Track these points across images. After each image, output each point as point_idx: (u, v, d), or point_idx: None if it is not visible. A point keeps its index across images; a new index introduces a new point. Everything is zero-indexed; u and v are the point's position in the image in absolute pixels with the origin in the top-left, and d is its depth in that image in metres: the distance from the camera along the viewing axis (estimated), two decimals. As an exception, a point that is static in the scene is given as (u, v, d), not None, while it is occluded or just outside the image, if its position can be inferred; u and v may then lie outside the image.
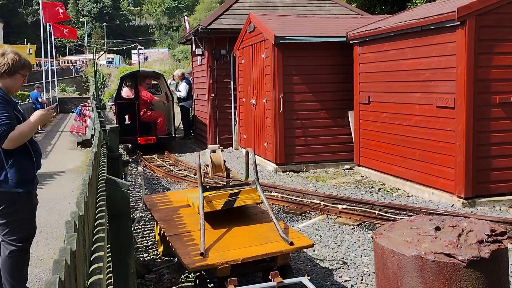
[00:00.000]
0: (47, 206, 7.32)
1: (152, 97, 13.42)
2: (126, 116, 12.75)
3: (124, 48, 71.89)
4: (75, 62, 67.10)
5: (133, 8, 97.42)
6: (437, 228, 2.16)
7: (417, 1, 15.29)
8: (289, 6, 14.48)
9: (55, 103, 17.73)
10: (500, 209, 6.71)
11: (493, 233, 2.10)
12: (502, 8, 6.61)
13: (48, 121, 21.38)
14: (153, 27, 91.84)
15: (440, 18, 6.89)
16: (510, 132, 6.82)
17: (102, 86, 43.78)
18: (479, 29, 6.54)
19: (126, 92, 13.29)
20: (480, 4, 6.55)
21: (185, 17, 49.70)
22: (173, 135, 13.76)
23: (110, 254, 2.84)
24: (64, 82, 49.61)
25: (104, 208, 2.57)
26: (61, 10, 23.90)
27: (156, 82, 15.98)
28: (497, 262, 2.05)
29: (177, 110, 16.14)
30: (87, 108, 19.63)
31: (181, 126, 16.36)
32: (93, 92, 33.88)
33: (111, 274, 2.69)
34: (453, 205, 6.88)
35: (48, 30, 26.91)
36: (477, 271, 1.98)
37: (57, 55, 53.86)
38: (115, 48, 74.63)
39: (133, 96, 13.00)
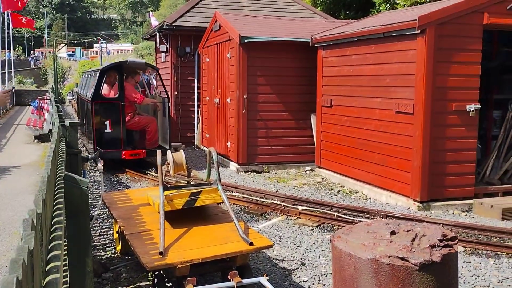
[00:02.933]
0: (1, 201, 7.11)
1: (142, 98, 9.99)
2: (107, 122, 9.39)
3: (86, 41, 70.32)
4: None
5: (96, 0, 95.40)
6: (393, 232, 2.24)
7: (380, 8, 15.63)
8: (255, 7, 14.54)
9: (12, 86, 16.33)
10: (453, 213, 6.94)
11: (444, 238, 2.19)
12: (460, 18, 6.85)
13: (4, 104, 20.59)
14: (117, 21, 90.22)
15: (401, 26, 7.07)
16: (464, 139, 7.07)
17: (62, 79, 42.67)
18: (438, 38, 6.75)
19: (106, 90, 9.92)
20: (439, 14, 6.76)
21: (150, 13, 49.06)
22: (168, 148, 9.79)
23: (66, 252, 2.79)
24: (22, 73, 48.08)
25: (62, 205, 2.52)
26: None
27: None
28: (448, 265, 2.14)
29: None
30: (45, 101, 19.11)
31: None
32: (52, 85, 32.99)
33: (68, 273, 2.64)
34: (409, 208, 7.07)
35: (6, 20, 26.05)
36: (428, 274, 2.07)
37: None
38: (75, 41, 72.87)
39: (116, 96, 9.61)
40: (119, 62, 10.40)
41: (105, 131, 9.42)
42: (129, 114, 9.81)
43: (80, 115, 13.09)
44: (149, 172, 9.74)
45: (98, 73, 9.82)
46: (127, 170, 9.68)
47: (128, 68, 10.04)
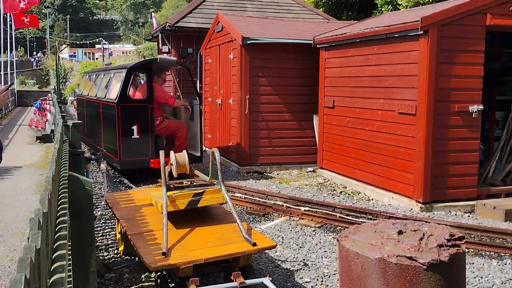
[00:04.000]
0: (3, 202, 7.10)
1: (173, 100, 9.04)
2: (135, 127, 8.29)
3: (88, 42, 70.41)
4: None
5: (98, 1, 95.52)
6: (400, 232, 2.23)
7: (382, 9, 15.62)
8: (257, 8, 14.55)
9: (11, 82, 15.80)
10: (456, 214, 6.93)
11: (452, 238, 2.18)
12: (462, 20, 6.84)
13: (4, 104, 20.18)
14: (119, 22, 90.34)
15: (404, 27, 7.07)
16: (467, 140, 7.06)
17: (64, 80, 42.74)
18: (441, 39, 6.75)
19: (132, 91, 8.90)
20: (442, 15, 6.75)
21: (152, 14, 49.13)
22: (200, 155, 9.13)
23: (70, 252, 2.79)
24: (24, 74, 48.16)
25: (66, 205, 2.52)
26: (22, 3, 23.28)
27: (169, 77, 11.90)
28: (455, 265, 2.13)
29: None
30: (48, 102, 19.13)
31: None
32: (54, 86, 33.02)
33: (71, 273, 2.64)
34: (411, 209, 7.06)
35: (8, 22, 26.13)
36: (436, 273, 2.06)
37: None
38: (78, 42, 72.98)
39: (145, 97, 8.58)
40: (149, 60, 9.37)
41: (132, 137, 8.30)
42: (158, 118, 8.77)
43: (88, 120, 11.34)
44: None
45: (123, 72, 8.53)
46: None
47: (157, 66, 8.99)
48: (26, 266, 1.13)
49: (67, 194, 2.75)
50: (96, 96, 10.21)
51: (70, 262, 2.75)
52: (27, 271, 1.10)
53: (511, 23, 6.99)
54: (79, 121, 5.08)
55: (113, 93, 8.80)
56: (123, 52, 60.33)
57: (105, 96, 9.26)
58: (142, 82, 10.14)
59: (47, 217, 1.76)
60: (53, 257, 1.89)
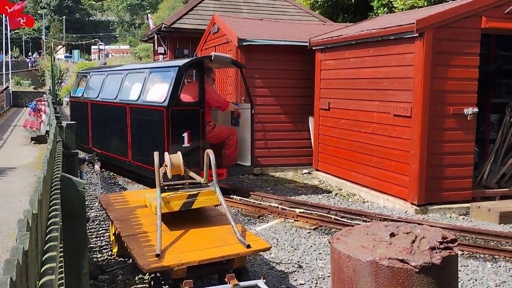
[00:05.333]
0: (-3, 203, 7.07)
1: (227, 103, 8.03)
2: (185, 134, 7.20)
3: (84, 43, 70.29)
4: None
5: (94, 2, 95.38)
6: (392, 234, 2.22)
7: (378, 11, 15.65)
8: (253, 10, 14.55)
9: (6, 86, 15.38)
10: (450, 216, 6.94)
11: (444, 240, 2.18)
12: (458, 22, 6.86)
13: None
14: (115, 23, 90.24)
15: (400, 29, 7.08)
16: (462, 142, 7.07)
17: (59, 81, 42.62)
18: (436, 41, 6.76)
19: (185, 93, 7.54)
20: (438, 17, 6.77)
21: (149, 15, 49.12)
22: (250, 165, 8.16)
23: (62, 254, 2.77)
24: (19, 75, 48.00)
25: (58, 206, 2.50)
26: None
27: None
28: (448, 268, 2.13)
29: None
30: (43, 103, 19.08)
31: None
32: (50, 86, 32.93)
33: (63, 275, 2.62)
34: (406, 211, 7.06)
35: (3, 22, 26.09)
36: (428, 276, 2.05)
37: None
38: (73, 43, 72.83)
39: (196, 100, 7.39)
40: (202, 57, 8.04)
41: (183, 145, 7.13)
42: (210, 123, 7.74)
43: (97, 126, 9.86)
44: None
45: (173, 71, 7.35)
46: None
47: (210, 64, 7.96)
48: (12, 268, 1.12)
49: (59, 195, 2.73)
50: (116, 98, 8.81)
51: (62, 264, 2.73)
52: (13, 273, 1.08)
53: (506, 26, 7.01)
54: (73, 122, 5.05)
55: (157, 95, 7.59)
56: (123, 53, 60.24)
57: (138, 98, 7.99)
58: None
59: (36, 218, 1.75)
60: (43, 259, 1.88)
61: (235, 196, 7.77)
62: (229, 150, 8.01)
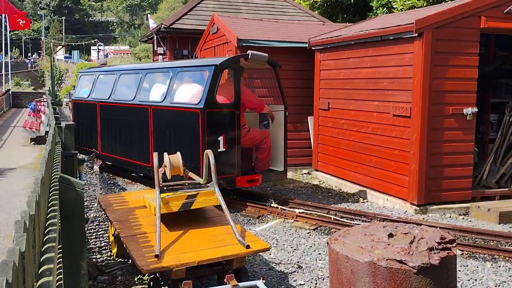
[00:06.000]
0: (-4, 203, 7.06)
1: (263, 105, 7.54)
2: (221, 138, 6.77)
3: (83, 43, 70.29)
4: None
5: (94, 3, 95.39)
6: (390, 235, 2.22)
7: (378, 12, 15.66)
8: (252, 10, 14.55)
9: (8, 89, 15.23)
10: (450, 217, 6.93)
11: (443, 241, 2.17)
12: (457, 22, 6.86)
13: None
14: (114, 24, 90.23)
15: (399, 29, 7.08)
16: (461, 143, 7.06)
17: (59, 82, 42.63)
18: (435, 41, 6.76)
19: (219, 94, 7.00)
20: (437, 17, 6.76)
21: (149, 15, 49.15)
22: (283, 170, 7.74)
23: (61, 255, 2.77)
24: (19, 75, 47.98)
25: (57, 207, 2.50)
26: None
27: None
28: (446, 268, 2.12)
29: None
30: (42, 103, 19.08)
31: None
32: (49, 87, 32.92)
33: (62, 276, 2.61)
34: (406, 211, 7.06)
35: (3, 23, 26.12)
36: (427, 277, 2.05)
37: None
38: (73, 43, 72.83)
39: (232, 102, 6.99)
40: (238, 56, 7.36)
41: (218, 150, 6.69)
42: (245, 126, 7.31)
43: (107, 129, 9.24)
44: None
45: (208, 70, 6.88)
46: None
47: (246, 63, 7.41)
48: (8, 270, 1.11)
49: (57, 196, 2.73)
50: (134, 99, 8.21)
51: (61, 265, 2.73)
52: (9, 275, 1.08)
53: (505, 25, 7.01)
54: (72, 123, 5.05)
55: (187, 96, 7.11)
56: (123, 53, 60.22)
57: (164, 99, 7.45)
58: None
59: (34, 219, 1.74)
60: (41, 260, 1.87)
61: (234, 197, 7.71)
62: (263, 155, 7.60)
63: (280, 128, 7.74)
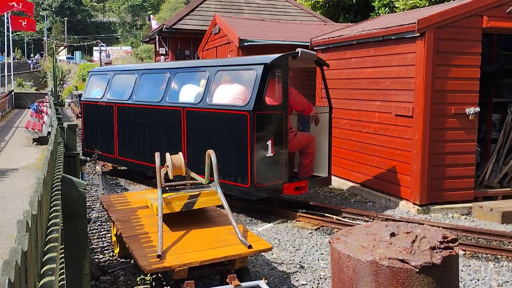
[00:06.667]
0: (-1, 204, 7.08)
1: (311, 107, 7.17)
2: (269, 142, 6.30)
3: (85, 44, 70.40)
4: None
5: (96, 4, 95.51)
6: (392, 234, 2.21)
7: (380, 11, 15.64)
8: (254, 10, 14.55)
9: (11, 90, 15.20)
10: (453, 216, 6.92)
11: (445, 240, 2.17)
12: (459, 22, 6.84)
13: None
14: (116, 24, 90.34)
15: (401, 29, 7.07)
16: (464, 142, 7.05)
17: (61, 82, 42.71)
18: (437, 41, 6.75)
19: (268, 95, 6.46)
20: (439, 17, 6.75)
21: (151, 16, 49.22)
22: (327, 176, 7.32)
23: (63, 255, 2.77)
24: (21, 76, 48.07)
25: (59, 207, 2.50)
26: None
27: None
28: (448, 268, 2.12)
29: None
30: (45, 104, 19.11)
31: None
32: (51, 88, 32.97)
33: (64, 276, 2.62)
34: (408, 211, 7.05)
35: (6, 24, 26.16)
36: (429, 276, 2.04)
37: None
38: (75, 44, 72.94)
39: (280, 103, 6.50)
40: (287, 54, 6.65)
41: (266, 155, 6.27)
42: (292, 130, 6.90)
43: (126, 133, 8.66)
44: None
45: (257, 69, 6.37)
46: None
47: (293, 62, 6.94)
48: (11, 269, 1.11)
49: (60, 196, 2.74)
50: (162, 100, 7.68)
51: (63, 265, 2.73)
52: (11, 274, 1.08)
53: (507, 25, 6.99)
54: (74, 123, 5.05)
55: (229, 97, 6.67)
56: (120, 55, 60.26)
57: (201, 101, 6.95)
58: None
59: (36, 219, 1.75)
60: (43, 259, 1.88)
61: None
62: (307, 160, 7.10)
63: (324, 131, 7.30)
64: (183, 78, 7.72)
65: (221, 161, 6.18)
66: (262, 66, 6.29)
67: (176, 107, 7.37)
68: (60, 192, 2.74)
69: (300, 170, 7.20)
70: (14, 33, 34.07)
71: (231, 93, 6.69)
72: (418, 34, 6.74)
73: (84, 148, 9.86)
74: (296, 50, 6.61)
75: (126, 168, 9.53)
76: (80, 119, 11.65)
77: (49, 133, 13.12)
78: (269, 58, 6.43)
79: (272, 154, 6.31)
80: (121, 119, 8.77)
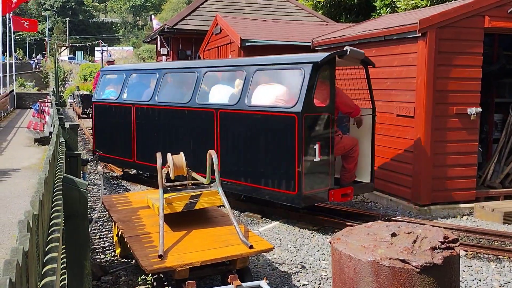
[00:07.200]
0: (0, 204, 7.09)
1: (359, 109, 6.75)
2: (316, 147, 5.93)
3: (87, 44, 70.47)
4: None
5: (97, 4, 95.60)
6: (393, 234, 2.21)
7: (381, 12, 15.63)
8: (256, 11, 14.56)
9: (12, 90, 15.16)
10: (454, 217, 6.91)
11: (446, 240, 2.17)
12: (461, 22, 6.84)
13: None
14: (118, 24, 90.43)
15: (402, 29, 7.06)
16: (465, 142, 7.04)
17: (63, 83, 42.77)
18: (439, 41, 6.74)
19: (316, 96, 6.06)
20: (440, 17, 6.75)
21: (152, 16, 49.26)
22: (370, 182, 6.91)
23: (65, 255, 2.77)
24: (23, 76, 48.16)
25: (60, 207, 2.51)
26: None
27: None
28: (449, 268, 2.12)
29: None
30: (46, 104, 19.13)
31: None
32: (53, 88, 33.01)
33: (65, 276, 2.62)
34: (409, 212, 7.04)
35: (7, 24, 26.19)
36: (430, 276, 2.04)
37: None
38: (77, 44, 73.04)
39: (327, 105, 6.12)
40: (335, 52, 6.25)
41: (314, 160, 5.93)
42: (338, 133, 6.47)
43: (151, 134, 8.09)
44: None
45: (304, 68, 5.95)
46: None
47: (341, 61, 6.53)
48: (12, 269, 1.12)
49: (61, 196, 2.74)
50: (191, 101, 7.19)
51: (65, 265, 2.73)
52: (12, 274, 1.08)
53: (509, 25, 6.99)
54: (76, 123, 5.05)
55: (271, 98, 6.26)
56: (122, 55, 60.33)
57: (238, 102, 6.51)
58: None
59: (37, 219, 1.75)
60: (44, 259, 1.88)
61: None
62: (351, 164, 6.68)
63: (366, 133, 6.89)
64: (214, 77, 7.31)
65: (263, 165, 6.16)
66: (311, 65, 5.89)
67: (209, 109, 6.90)
68: (61, 192, 2.74)
69: (343, 175, 6.74)
70: (16, 34, 34.14)
71: (272, 93, 6.29)
72: (420, 34, 6.74)
73: (96, 149, 9.27)
74: (344, 49, 6.22)
75: (142, 172, 9.07)
76: (81, 119, 11.55)
77: (50, 133, 13.14)
78: (318, 56, 6.08)
79: (319, 159, 5.97)
80: (140, 121, 8.26)
